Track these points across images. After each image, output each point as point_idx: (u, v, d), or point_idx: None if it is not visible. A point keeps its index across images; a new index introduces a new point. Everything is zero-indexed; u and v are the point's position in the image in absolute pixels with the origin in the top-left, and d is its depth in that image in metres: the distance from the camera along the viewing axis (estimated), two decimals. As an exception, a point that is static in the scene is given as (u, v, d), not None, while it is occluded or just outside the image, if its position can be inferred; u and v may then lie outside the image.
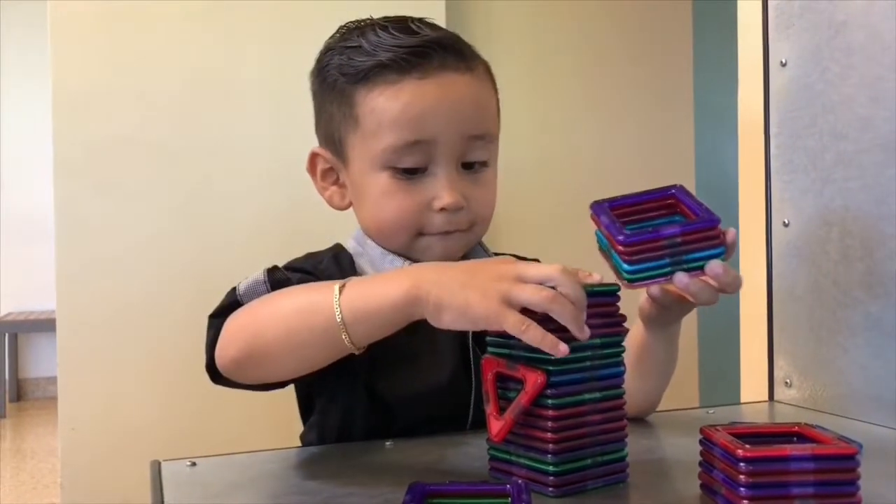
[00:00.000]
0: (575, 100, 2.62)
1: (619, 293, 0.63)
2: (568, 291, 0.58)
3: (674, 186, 0.70)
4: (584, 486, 0.60)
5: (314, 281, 0.75)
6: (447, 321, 0.60)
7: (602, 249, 0.69)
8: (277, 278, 0.78)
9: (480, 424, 0.68)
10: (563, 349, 0.56)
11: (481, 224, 0.84)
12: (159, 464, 0.69)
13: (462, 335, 0.81)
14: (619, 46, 2.63)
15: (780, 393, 0.93)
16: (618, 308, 0.63)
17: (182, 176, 2.23)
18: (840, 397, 0.85)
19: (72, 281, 2.16)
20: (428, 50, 0.78)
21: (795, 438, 0.58)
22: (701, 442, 0.59)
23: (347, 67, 0.80)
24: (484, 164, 0.83)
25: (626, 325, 0.64)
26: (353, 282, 0.66)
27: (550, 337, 0.57)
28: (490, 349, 0.64)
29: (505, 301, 0.58)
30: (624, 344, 0.64)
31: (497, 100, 0.87)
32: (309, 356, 0.69)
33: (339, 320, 0.64)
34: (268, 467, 0.70)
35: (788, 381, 0.92)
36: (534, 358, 0.60)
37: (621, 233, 0.64)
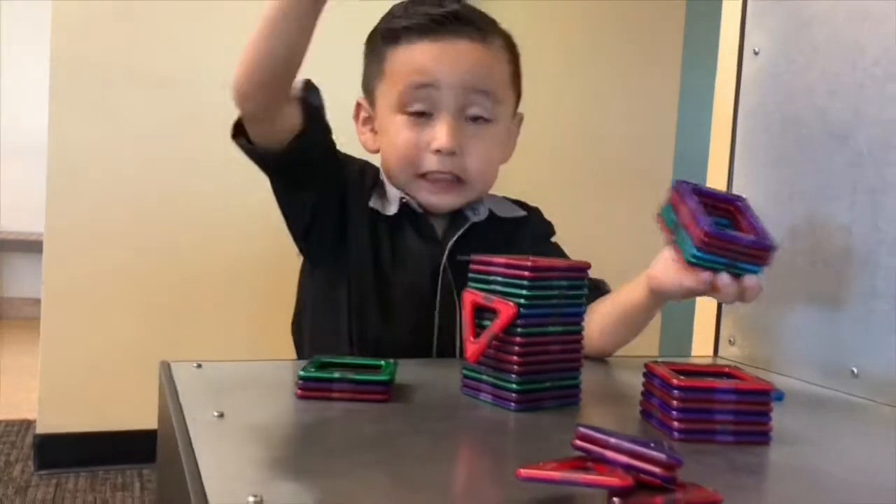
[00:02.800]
0: (568, 74, 2.69)
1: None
2: None
3: (740, 198, 0.80)
4: (541, 405, 0.69)
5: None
6: None
7: (664, 220, 0.78)
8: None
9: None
10: None
11: (476, 176, 0.95)
12: (169, 364, 0.78)
13: (434, 260, 0.95)
14: (613, 30, 2.71)
15: (723, 350, 1.03)
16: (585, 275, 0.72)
17: (176, 108, 2.29)
18: (775, 356, 0.96)
19: (61, 204, 2.22)
20: (445, 20, 0.92)
21: (725, 377, 0.68)
22: (644, 374, 0.68)
23: (386, 31, 0.95)
24: (487, 120, 0.93)
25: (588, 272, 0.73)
26: None
27: None
28: (470, 284, 0.73)
29: None
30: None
31: (514, 70, 0.98)
32: (281, 30, 0.80)
33: None
34: (267, 372, 0.79)
35: (732, 339, 1.02)
36: (507, 293, 0.69)
37: (707, 221, 0.73)
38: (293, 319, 1.03)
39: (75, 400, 2.26)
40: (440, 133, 0.92)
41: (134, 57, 2.24)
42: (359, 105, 1.03)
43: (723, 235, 0.75)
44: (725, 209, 0.80)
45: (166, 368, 0.76)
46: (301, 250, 1.00)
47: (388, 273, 0.95)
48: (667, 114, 2.85)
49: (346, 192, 0.97)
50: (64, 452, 2.24)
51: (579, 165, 2.64)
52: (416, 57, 0.93)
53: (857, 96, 0.87)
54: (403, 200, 0.97)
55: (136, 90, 2.25)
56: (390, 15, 0.98)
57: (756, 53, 1.01)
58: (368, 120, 1.01)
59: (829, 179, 0.90)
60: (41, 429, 2.23)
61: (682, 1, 2.83)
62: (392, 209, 0.97)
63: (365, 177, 1.00)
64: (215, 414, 0.61)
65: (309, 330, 0.98)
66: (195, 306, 2.33)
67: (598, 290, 0.95)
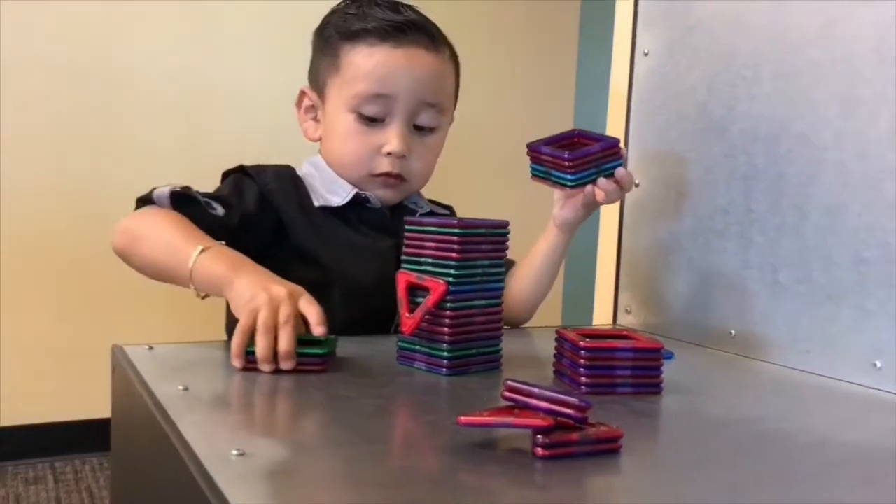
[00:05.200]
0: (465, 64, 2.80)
1: (508, 232, 0.82)
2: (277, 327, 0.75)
3: (575, 130, 0.98)
4: (468, 370, 0.79)
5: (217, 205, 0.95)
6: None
7: (538, 176, 0.96)
8: (182, 198, 0.93)
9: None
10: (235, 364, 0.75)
11: (417, 177, 1.03)
12: (122, 347, 0.83)
13: (396, 250, 0.98)
14: (511, 21, 2.83)
15: (621, 318, 1.16)
16: (506, 240, 0.82)
17: (88, 97, 2.27)
18: (665, 321, 1.09)
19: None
20: (405, 27, 0.98)
21: (623, 339, 0.79)
22: (556, 339, 0.79)
23: (342, 27, 0.99)
24: (432, 129, 1.02)
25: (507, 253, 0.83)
26: (211, 251, 0.84)
27: (235, 350, 0.75)
28: (404, 266, 0.81)
29: (252, 315, 0.75)
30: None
31: (456, 81, 1.06)
32: (163, 278, 0.90)
33: (189, 275, 0.84)
34: (215, 352, 0.85)
35: (628, 309, 1.15)
36: (438, 272, 0.78)
37: (565, 154, 0.92)
38: (228, 320, 1.02)
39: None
40: (393, 139, 0.99)
41: (46, 45, 2.21)
42: (303, 94, 1.06)
43: (579, 154, 0.94)
44: (571, 144, 0.97)
45: (121, 351, 0.81)
46: None
47: (346, 264, 0.99)
48: (564, 103, 3.00)
49: (271, 202, 0.99)
50: (-29, 449, 2.21)
51: (477, 155, 2.75)
52: (376, 64, 0.97)
53: (731, 95, 1.00)
54: (362, 195, 1.02)
55: (48, 79, 2.23)
56: (342, 12, 1.02)
57: (646, 55, 1.13)
58: (311, 109, 1.06)
59: (709, 167, 1.03)
60: (-53, 426, 2.18)
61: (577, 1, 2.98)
62: (337, 200, 1.01)
63: (284, 181, 1.01)
64: (180, 388, 0.68)
65: None
66: (105, 301, 2.32)
67: (510, 265, 1.09)
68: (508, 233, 0.82)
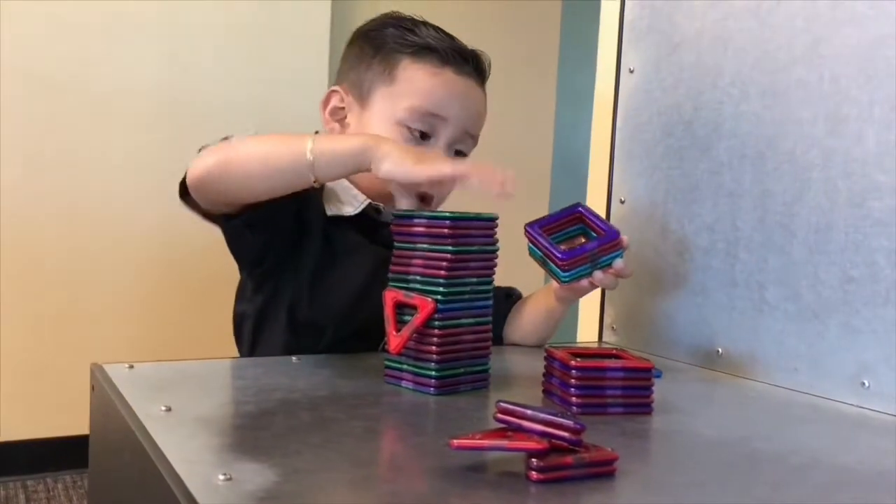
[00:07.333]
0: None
1: (497, 249, 0.81)
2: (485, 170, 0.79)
3: (578, 204, 0.94)
4: (457, 389, 0.78)
5: None
6: (385, 168, 0.80)
7: (535, 258, 0.92)
8: None
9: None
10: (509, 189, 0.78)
11: (440, 202, 1.01)
12: (102, 366, 0.81)
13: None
14: (491, 31, 2.83)
15: (606, 336, 1.15)
16: (495, 258, 0.81)
17: (58, 108, 2.23)
18: (652, 339, 1.08)
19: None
20: (468, 57, 1.00)
21: (613, 358, 0.78)
22: (545, 358, 0.78)
23: (400, 39, 0.98)
24: (464, 156, 1.03)
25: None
26: (322, 133, 0.85)
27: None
28: (391, 283, 0.80)
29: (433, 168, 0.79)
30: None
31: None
32: (273, 179, 0.85)
33: (309, 156, 0.81)
34: (198, 370, 0.83)
35: (614, 326, 1.14)
36: (425, 290, 0.77)
37: (559, 252, 0.88)
38: (235, 324, 1.03)
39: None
40: None
41: (12, 55, 2.18)
42: (333, 93, 1.03)
43: (575, 254, 0.90)
44: (573, 220, 0.94)
45: (100, 370, 0.79)
46: (245, 277, 1.01)
47: (351, 276, 0.98)
48: (545, 117, 3.01)
49: (302, 212, 0.96)
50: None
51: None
52: (438, 85, 0.98)
53: (718, 112, 1.00)
54: (374, 205, 1.00)
55: (15, 88, 2.19)
56: (397, 25, 1.00)
57: (631, 72, 1.13)
58: (339, 111, 1.03)
59: (696, 184, 1.03)
60: (-84, 444, 2.13)
61: (557, 2, 2.99)
62: (350, 209, 0.99)
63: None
64: (163, 408, 0.66)
65: (251, 333, 1.00)
66: (78, 317, 2.29)
67: (512, 297, 1.10)
68: (498, 250, 0.81)
